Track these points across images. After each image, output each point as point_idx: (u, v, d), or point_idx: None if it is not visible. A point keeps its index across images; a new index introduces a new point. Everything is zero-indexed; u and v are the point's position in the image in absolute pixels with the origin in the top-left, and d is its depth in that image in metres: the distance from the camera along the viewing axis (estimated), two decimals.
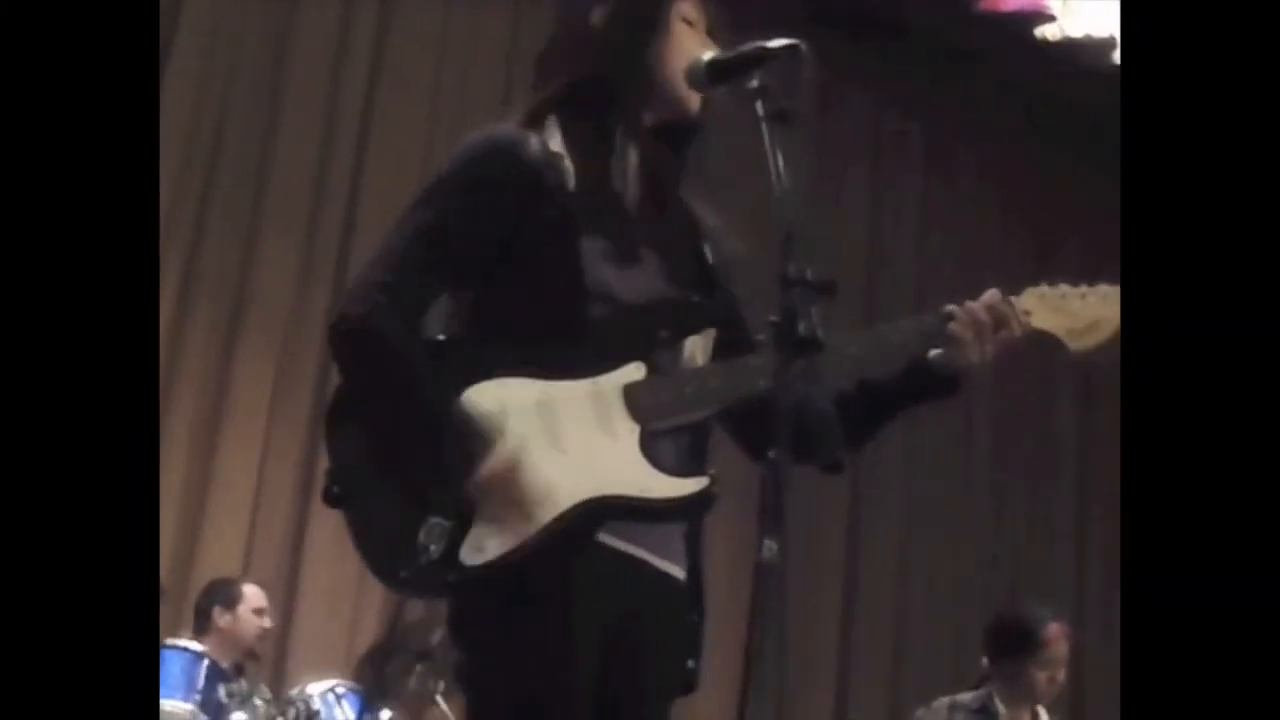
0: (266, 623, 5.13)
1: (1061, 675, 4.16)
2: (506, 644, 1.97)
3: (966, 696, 4.22)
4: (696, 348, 2.14)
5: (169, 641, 4.80)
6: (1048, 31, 6.63)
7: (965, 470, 7.50)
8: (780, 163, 1.87)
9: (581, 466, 1.99)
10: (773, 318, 1.78)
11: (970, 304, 2.13)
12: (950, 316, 2.12)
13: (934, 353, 2.14)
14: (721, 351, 2.16)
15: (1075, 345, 2.14)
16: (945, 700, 4.25)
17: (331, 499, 2.06)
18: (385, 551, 2.00)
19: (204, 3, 6.20)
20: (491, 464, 1.97)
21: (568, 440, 2.01)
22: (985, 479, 7.55)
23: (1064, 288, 2.16)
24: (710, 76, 2.09)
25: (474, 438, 1.98)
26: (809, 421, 1.76)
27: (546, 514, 1.96)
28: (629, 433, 2.03)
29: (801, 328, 1.75)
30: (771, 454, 1.70)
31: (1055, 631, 4.18)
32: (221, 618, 5.04)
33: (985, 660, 4.27)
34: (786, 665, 1.64)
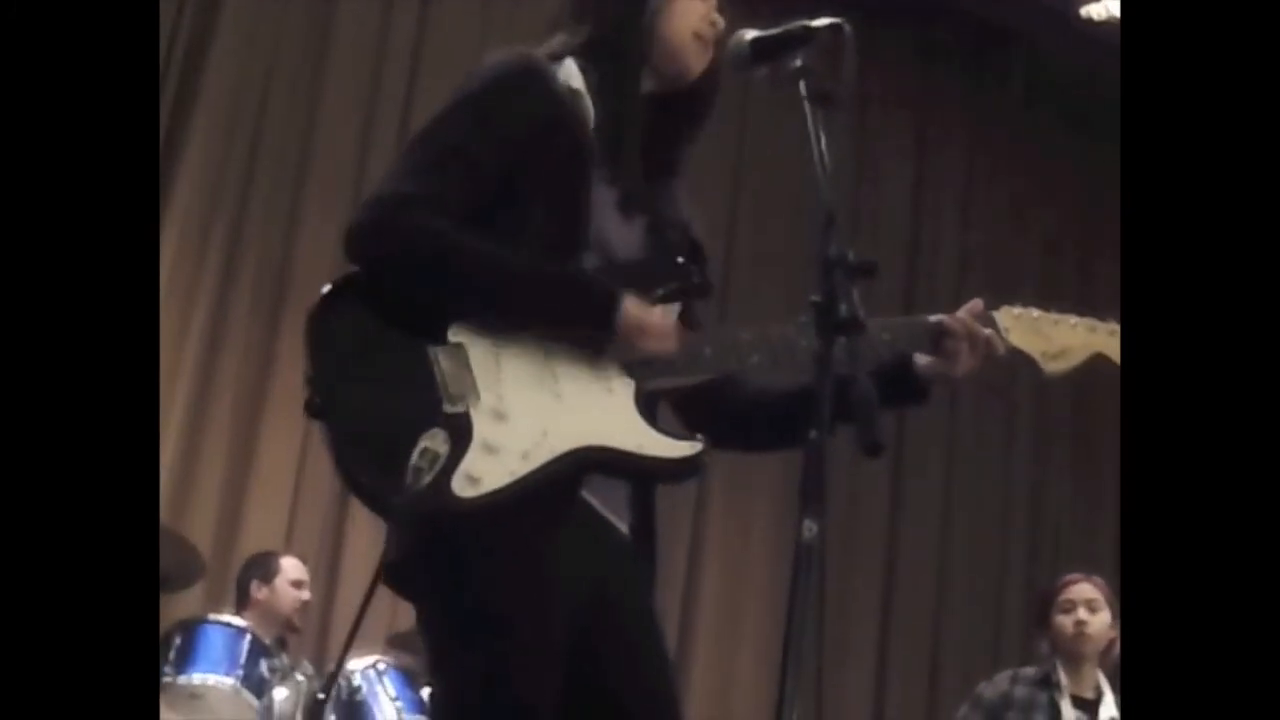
0: (305, 595, 5.08)
1: (1087, 617, 4.16)
2: (485, 587, 1.93)
3: (1029, 670, 4.27)
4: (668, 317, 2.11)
5: (211, 617, 4.81)
6: (1093, 11, 6.54)
7: (1006, 453, 7.47)
8: (823, 144, 1.86)
9: (578, 414, 1.98)
10: (814, 298, 1.79)
11: (964, 317, 2.12)
12: (940, 327, 2.10)
13: (922, 361, 2.13)
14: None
15: (1048, 368, 2.16)
16: (1007, 673, 4.30)
17: (314, 409, 1.99)
18: (373, 470, 1.95)
19: None
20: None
21: (564, 388, 1.99)
22: (1026, 461, 7.52)
23: (1036, 312, 2.17)
24: (753, 55, 2.06)
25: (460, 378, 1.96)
26: (850, 401, 1.75)
27: (543, 454, 1.95)
28: (624, 388, 2.02)
29: (842, 309, 1.75)
30: (812, 434, 1.70)
31: (1072, 578, 4.29)
32: (259, 591, 4.99)
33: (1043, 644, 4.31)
34: (825, 646, 1.65)
